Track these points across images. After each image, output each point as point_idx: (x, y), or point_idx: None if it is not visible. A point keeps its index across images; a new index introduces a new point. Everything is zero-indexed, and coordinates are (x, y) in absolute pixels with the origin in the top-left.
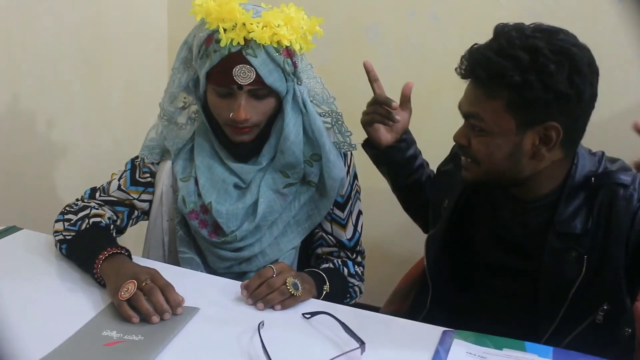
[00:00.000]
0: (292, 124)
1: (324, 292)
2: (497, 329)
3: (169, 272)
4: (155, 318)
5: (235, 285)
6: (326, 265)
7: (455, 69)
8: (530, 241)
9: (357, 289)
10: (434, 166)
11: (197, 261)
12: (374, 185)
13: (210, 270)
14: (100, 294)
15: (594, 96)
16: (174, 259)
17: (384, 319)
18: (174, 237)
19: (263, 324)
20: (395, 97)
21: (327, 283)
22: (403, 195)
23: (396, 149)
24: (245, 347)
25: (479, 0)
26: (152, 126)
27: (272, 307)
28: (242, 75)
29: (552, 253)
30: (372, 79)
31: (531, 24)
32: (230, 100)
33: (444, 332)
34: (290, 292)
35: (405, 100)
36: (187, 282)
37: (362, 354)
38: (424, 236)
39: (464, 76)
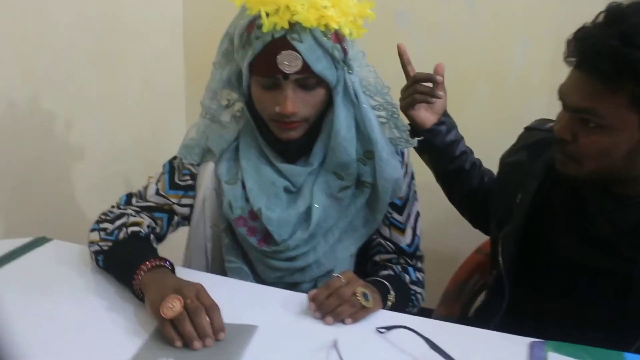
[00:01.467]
0: (343, 117)
1: (389, 303)
2: (579, 336)
3: (217, 284)
4: (197, 343)
5: (292, 297)
6: (386, 273)
7: (565, 58)
8: (623, 240)
9: (419, 296)
10: (477, 150)
11: (245, 271)
12: None
13: (260, 280)
14: (140, 314)
15: None
16: (217, 268)
17: (460, 329)
18: (218, 244)
19: (336, 342)
20: None
21: (392, 292)
22: (447, 183)
23: (436, 132)
24: None
25: None
26: (192, 124)
27: (342, 321)
28: (288, 62)
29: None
30: (406, 62)
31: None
32: (276, 92)
33: (532, 342)
34: (361, 303)
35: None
36: (238, 295)
37: None
38: (463, 233)
39: (579, 66)
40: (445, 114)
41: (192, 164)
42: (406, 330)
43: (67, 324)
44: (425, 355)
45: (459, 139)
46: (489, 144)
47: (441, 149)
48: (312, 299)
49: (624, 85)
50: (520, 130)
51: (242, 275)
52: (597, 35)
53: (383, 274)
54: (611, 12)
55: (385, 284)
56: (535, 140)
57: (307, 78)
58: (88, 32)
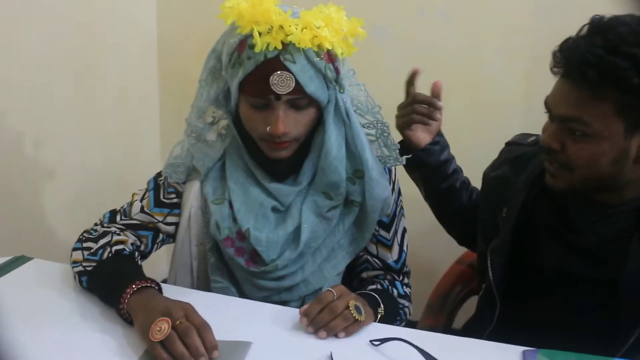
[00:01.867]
0: (334, 136)
1: (379, 315)
2: (569, 343)
3: (206, 301)
4: None
5: (284, 312)
6: (374, 287)
7: (551, 68)
8: (608, 248)
9: (407, 310)
10: None
11: (232, 290)
12: None
13: (247, 299)
14: (129, 334)
15: None
16: (203, 286)
17: (452, 340)
18: (203, 263)
19: (331, 355)
20: (402, 97)
21: (381, 305)
22: (436, 202)
23: (430, 152)
24: None
25: None
26: (177, 142)
27: (335, 335)
28: (281, 83)
29: (638, 262)
30: (412, 82)
31: (626, 15)
32: (267, 112)
33: (525, 351)
34: (354, 316)
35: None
36: (228, 311)
37: None
38: (444, 245)
39: (565, 75)
40: (439, 133)
41: (177, 182)
42: (399, 342)
43: (54, 346)
44: None
45: (451, 158)
46: (465, 154)
47: (434, 167)
48: (304, 314)
49: (610, 93)
50: (497, 141)
51: (228, 295)
52: (583, 44)
53: (372, 288)
54: (595, 24)
55: (375, 297)
56: (517, 155)
57: (299, 99)
58: (62, 45)
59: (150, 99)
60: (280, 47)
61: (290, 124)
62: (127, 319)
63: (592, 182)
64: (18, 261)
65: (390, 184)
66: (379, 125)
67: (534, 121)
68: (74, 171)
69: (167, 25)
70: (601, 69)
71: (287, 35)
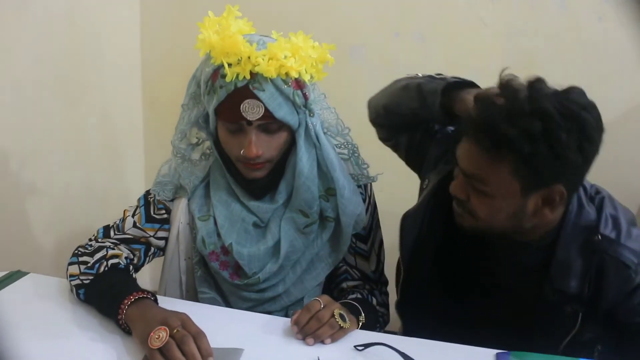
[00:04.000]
0: (305, 158)
1: (360, 324)
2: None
3: (199, 311)
4: None
5: (272, 321)
6: (354, 296)
7: (464, 140)
8: (522, 284)
9: (385, 317)
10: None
11: (218, 301)
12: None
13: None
14: (128, 343)
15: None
16: (192, 299)
17: (430, 344)
18: (191, 276)
19: None
20: None
21: (362, 314)
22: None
23: None
24: None
25: (463, 20)
26: (165, 162)
27: (322, 341)
28: (251, 110)
29: (547, 307)
30: None
31: (535, 78)
32: (241, 136)
33: (498, 354)
34: (340, 324)
35: None
36: (220, 321)
37: None
38: None
39: (466, 137)
40: None
41: (165, 200)
42: (382, 347)
43: (55, 357)
44: None
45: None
46: None
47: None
48: (295, 323)
49: (505, 156)
50: None
51: (215, 305)
52: (483, 108)
53: (352, 297)
54: (501, 85)
55: (357, 306)
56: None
57: (270, 123)
58: (49, 68)
59: (134, 120)
60: (248, 77)
61: (262, 147)
62: (125, 329)
63: (495, 230)
64: (14, 275)
65: (365, 198)
66: (350, 146)
67: None
68: (58, 189)
69: (151, 48)
70: (494, 136)
71: (255, 66)
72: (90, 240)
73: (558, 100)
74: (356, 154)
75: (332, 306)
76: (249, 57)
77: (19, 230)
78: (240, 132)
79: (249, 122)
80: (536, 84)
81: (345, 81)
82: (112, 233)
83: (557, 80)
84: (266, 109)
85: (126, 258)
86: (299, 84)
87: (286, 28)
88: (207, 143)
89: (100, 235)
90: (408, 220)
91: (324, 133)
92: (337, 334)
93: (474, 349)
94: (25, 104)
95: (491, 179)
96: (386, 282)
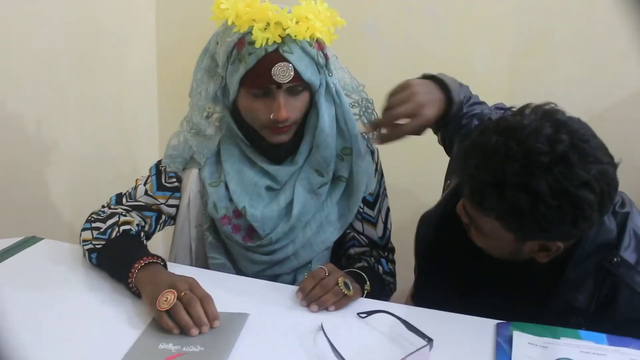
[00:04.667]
0: (326, 115)
1: (365, 292)
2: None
3: (207, 277)
4: (194, 331)
5: (277, 288)
6: (361, 265)
7: (454, 180)
8: (530, 291)
9: (392, 286)
10: (435, 169)
11: (228, 266)
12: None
13: (241, 274)
14: (137, 305)
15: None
16: (201, 265)
17: (431, 313)
18: (201, 243)
19: (322, 326)
20: None
21: (367, 282)
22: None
23: (449, 121)
24: (310, 349)
25: None
26: (173, 134)
27: (326, 308)
28: (282, 74)
29: (553, 315)
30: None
31: (531, 129)
32: (268, 100)
33: (498, 324)
34: (344, 292)
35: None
36: (226, 287)
37: (430, 350)
38: None
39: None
40: (445, 85)
41: (177, 169)
42: (384, 315)
43: (67, 317)
44: (402, 336)
45: (464, 95)
46: None
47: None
48: (300, 290)
49: (490, 213)
50: None
51: (224, 271)
52: (475, 166)
53: (358, 266)
54: (501, 142)
55: (362, 275)
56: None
57: (297, 85)
58: (67, 39)
59: (149, 91)
60: (279, 40)
61: (290, 109)
62: (135, 292)
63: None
64: (29, 241)
65: (373, 164)
66: (364, 102)
67: None
68: (73, 159)
69: (166, 21)
70: (482, 202)
71: (285, 29)
72: (103, 207)
73: (555, 174)
74: (370, 109)
75: (336, 274)
76: (278, 22)
77: (34, 197)
78: (267, 97)
79: (279, 86)
80: (536, 149)
81: (358, 56)
82: (124, 200)
83: (569, 60)
84: (295, 71)
85: (137, 225)
86: (320, 44)
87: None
88: (216, 115)
89: (113, 202)
90: (425, 220)
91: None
92: (340, 301)
93: (474, 319)
94: (42, 75)
95: (485, 226)
96: (393, 250)
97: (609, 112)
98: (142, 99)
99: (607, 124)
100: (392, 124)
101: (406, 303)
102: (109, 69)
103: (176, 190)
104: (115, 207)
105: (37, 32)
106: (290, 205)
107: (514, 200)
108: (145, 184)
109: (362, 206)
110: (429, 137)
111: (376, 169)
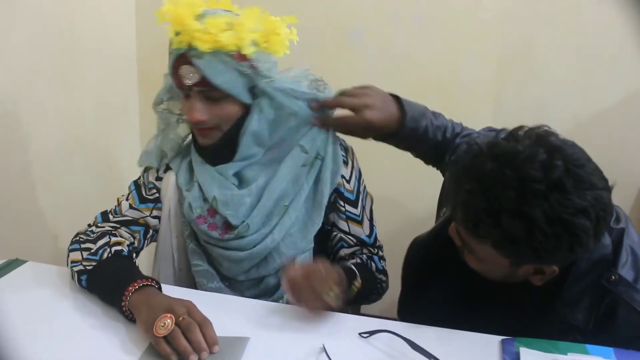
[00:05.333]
0: (255, 118)
1: (354, 288)
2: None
3: (204, 300)
4: (194, 357)
5: (276, 308)
6: (354, 261)
7: (448, 208)
8: (525, 313)
9: (384, 285)
10: (421, 179)
11: (211, 272)
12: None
13: (226, 279)
14: (131, 330)
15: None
16: (185, 277)
17: (434, 331)
18: (184, 253)
19: (325, 347)
20: None
21: (358, 279)
22: (426, 157)
23: (401, 135)
24: None
25: (462, 3)
26: (150, 138)
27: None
28: (187, 76)
29: (550, 332)
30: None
31: (525, 155)
32: (188, 102)
33: (503, 340)
34: (329, 302)
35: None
36: (225, 309)
37: None
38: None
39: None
40: (403, 109)
41: (154, 180)
42: (387, 334)
43: (56, 345)
44: (406, 355)
45: (428, 124)
46: None
47: (413, 141)
48: (289, 280)
49: (485, 241)
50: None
51: (208, 277)
52: (470, 192)
53: (352, 262)
54: (496, 169)
55: (353, 270)
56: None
57: (210, 90)
58: (45, 49)
59: (129, 103)
60: (186, 47)
61: (206, 113)
62: (129, 316)
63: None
64: (13, 264)
65: (348, 162)
66: (314, 83)
67: (502, 122)
68: (54, 175)
69: (146, 33)
70: (476, 228)
71: (192, 39)
72: (89, 226)
73: (551, 202)
74: (322, 86)
75: (330, 280)
76: (186, 30)
77: (16, 219)
78: (189, 98)
79: (190, 88)
80: (530, 176)
81: (343, 65)
82: (110, 217)
83: (555, 67)
84: (203, 76)
85: (128, 245)
86: (243, 56)
87: (282, 11)
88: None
89: (99, 220)
90: (416, 244)
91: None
92: (321, 309)
93: (479, 336)
94: (20, 88)
95: (479, 250)
96: (381, 247)
97: (597, 118)
98: (123, 110)
99: (595, 129)
100: (335, 108)
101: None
102: (88, 81)
103: (157, 201)
104: (103, 225)
105: (12, 48)
106: (261, 191)
107: (510, 227)
108: (127, 199)
109: (342, 204)
110: None
111: (352, 167)
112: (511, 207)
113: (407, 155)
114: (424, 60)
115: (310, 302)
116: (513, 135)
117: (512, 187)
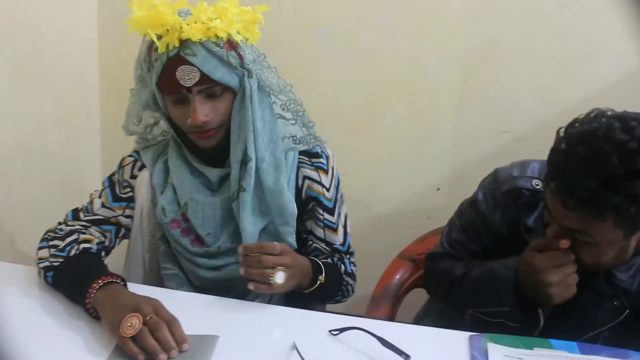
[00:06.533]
0: (237, 119)
1: (318, 283)
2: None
3: (171, 298)
4: (163, 356)
5: (246, 306)
6: (325, 260)
7: (557, 202)
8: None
9: (350, 287)
10: (385, 177)
11: (181, 277)
12: None
13: (194, 286)
14: (97, 330)
15: None
16: (155, 277)
17: (404, 328)
18: (155, 254)
19: (296, 345)
20: (342, 99)
21: (324, 274)
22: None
23: None
24: None
25: (429, 5)
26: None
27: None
28: (186, 76)
29: (593, 295)
30: None
31: (605, 128)
32: (186, 106)
33: (471, 336)
34: (269, 279)
35: None
36: (193, 307)
37: None
38: (385, 241)
39: (565, 206)
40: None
41: (129, 178)
42: (357, 331)
43: (19, 344)
44: (376, 352)
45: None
46: (403, 154)
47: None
48: (244, 247)
49: (608, 216)
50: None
51: (177, 281)
52: (576, 180)
53: (321, 259)
54: (587, 150)
55: (320, 265)
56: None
57: (211, 87)
58: (6, 47)
59: (91, 104)
60: (177, 44)
61: (209, 112)
62: (93, 314)
63: (601, 269)
64: None
65: (328, 169)
66: (292, 104)
67: (466, 123)
68: (15, 176)
69: (108, 35)
70: (597, 204)
71: (182, 33)
72: (60, 224)
73: None
74: (300, 113)
75: (282, 260)
76: (174, 26)
77: None
78: (184, 102)
79: (189, 90)
80: (621, 140)
81: (310, 63)
82: (81, 215)
83: (518, 68)
84: (202, 73)
85: (98, 243)
86: (232, 44)
87: (250, 3)
88: (163, 122)
89: (70, 218)
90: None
91: (268, 92)
92: (261, 286)
93: (448, 332)
94: None
95: (596, 232)
96: (354, 254)
97: (559, 118)
98: (85, 114)
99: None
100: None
101: (367, 310)
102: (49, 83)
103: (131, 200)
104: (73, 224)
105: None
106: (232, 210)
107: (628, 188)
108: (100, 196)
109: (322, 212)
110: (381, 145)
111: (332, 175)
112: (620, 171)
113: (373, 155)
114: (390, 61)
115: (252, 271)
116: (579, 122)
117: (611, 154)
